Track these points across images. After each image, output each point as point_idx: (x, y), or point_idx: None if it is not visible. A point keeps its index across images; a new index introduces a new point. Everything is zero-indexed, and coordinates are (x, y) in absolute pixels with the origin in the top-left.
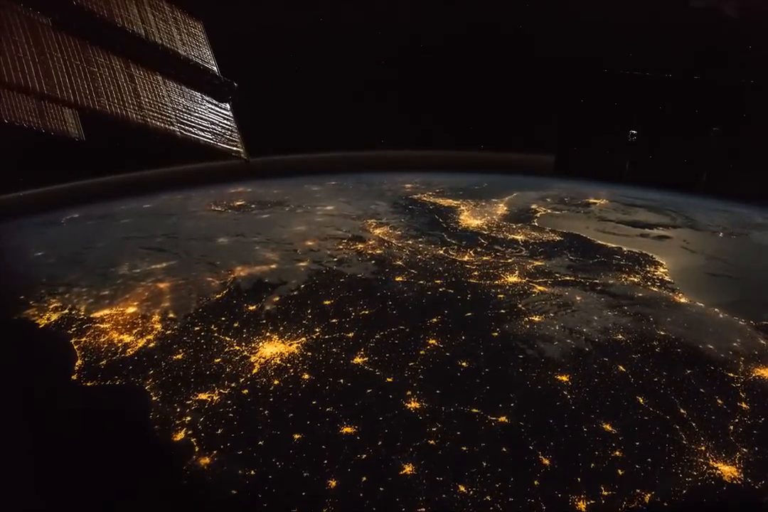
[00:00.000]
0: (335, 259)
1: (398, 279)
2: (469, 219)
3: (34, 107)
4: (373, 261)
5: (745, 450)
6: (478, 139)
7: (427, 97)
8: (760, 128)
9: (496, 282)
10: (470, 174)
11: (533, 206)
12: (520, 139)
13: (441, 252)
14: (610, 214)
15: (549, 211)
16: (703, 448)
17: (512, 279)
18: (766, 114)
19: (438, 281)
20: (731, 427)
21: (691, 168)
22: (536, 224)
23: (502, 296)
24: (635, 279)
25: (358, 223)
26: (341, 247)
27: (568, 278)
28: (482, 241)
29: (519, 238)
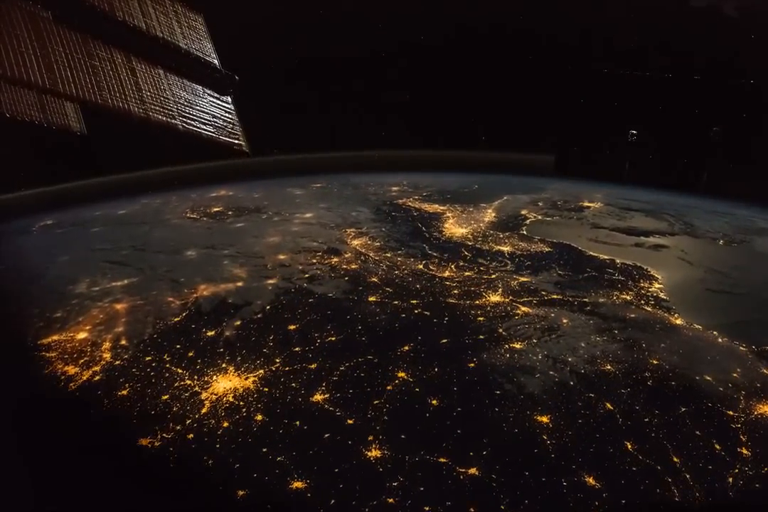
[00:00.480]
0: (306, 276)
1: (371, 298)
2: (454, 227)
3: (35, 101)
4: (346, 278)
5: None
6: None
7: (426, 96)
8: (761, 128)
9: (477, 301)
10: (464, 174)
11: (523, 212)
12: (519, 139)
13: (420, 266)
14: (605, 219)
15: (540, 217)
16: (697, 506)
17: (494, 298)
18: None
19: (414, 301)
20: (730, 480)
21: (692, 168)
22: (525, 233)
23: (482, 319)
24: (628, 297)
25: (336, 232)
26: (315, 261)
27: (555, 296)
28: (465, 253)
29: (505, 249)
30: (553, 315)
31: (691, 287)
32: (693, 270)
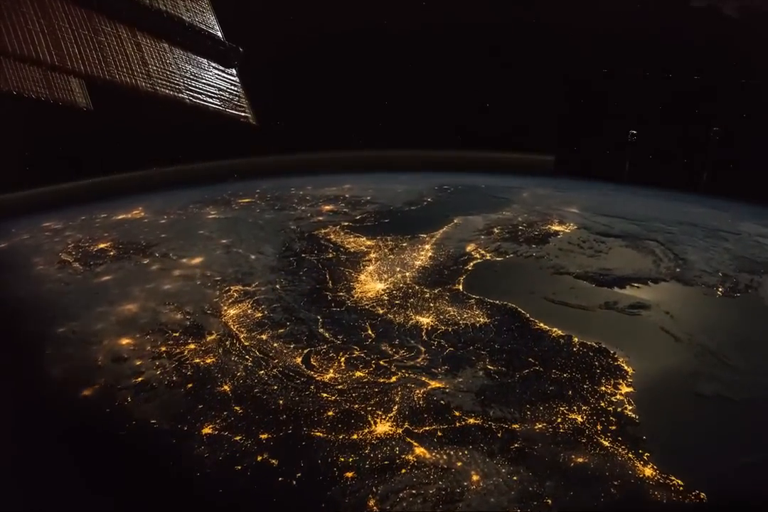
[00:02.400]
0: (135, 382)
1: (206, 430)
2: (371, 279)
3: (41, 78)
4: (189, 386)
5: None
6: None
7: (425, 95)
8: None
9: (355, 435)
10: (431, 176)
11: (469, 248)
12: (518, 139)
13: (298, 360)
14: (573, 256)
15: (488, 255)
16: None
17: (383, 427)
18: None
19: (263, 436)
20: None
21: (692, 168)
22: (460, 288)
23: (350, 474)
24: (577, 421)
25: (215, 294)
26: (164, 349)
27: (471, 421)
28: (369, 331)
29: (426, 321)
30: (459, 464)
31: (673, 392)
32: (680, 352)
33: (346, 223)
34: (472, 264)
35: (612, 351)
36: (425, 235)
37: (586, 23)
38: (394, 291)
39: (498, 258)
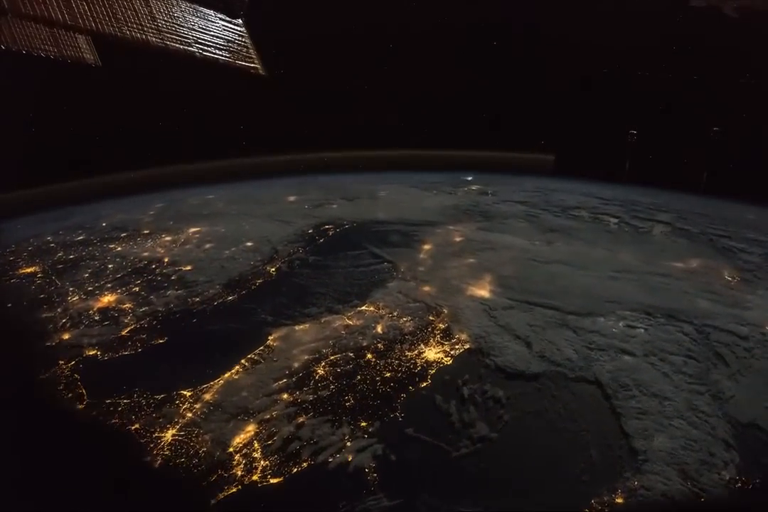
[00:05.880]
0: None
1: None
2: None
3: (48, 36)
4: None
5: None
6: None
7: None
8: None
9: None
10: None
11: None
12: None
13: None
14: None
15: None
16: None
17: None
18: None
19: None
20: None
21: (691, 168)
22: None
23: None
24: None
25: None
26: None
27: None
28: None
29: None
30: None
31: None
32: None
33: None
34: None
35: None
36: (188, 392)
37: (586, 23)
38: None
39: None
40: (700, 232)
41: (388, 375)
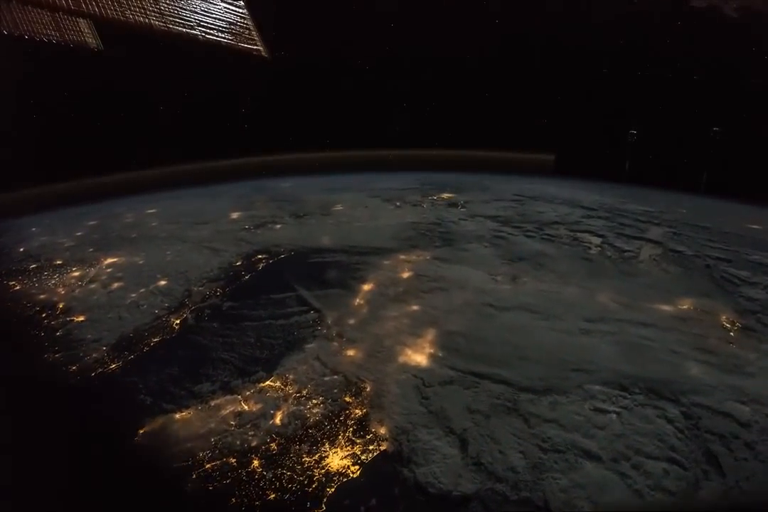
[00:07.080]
0: None
1: None
2: None
3: (50, 21)
4: None
5: None
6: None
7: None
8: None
9: None
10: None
11: None
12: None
13: None
14: None
15: None
16: None
17: None
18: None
19: None
20: None
21: (692, 168)
22: None
23: None
24: None
25: None
26: None
27: None
28: None
29: None
30: None
31: None
32: None
33: None
34: None
35: None
36: None
37: (586, 23)
38: None
39: None
40: (695, 254)
41: (272, 496)
